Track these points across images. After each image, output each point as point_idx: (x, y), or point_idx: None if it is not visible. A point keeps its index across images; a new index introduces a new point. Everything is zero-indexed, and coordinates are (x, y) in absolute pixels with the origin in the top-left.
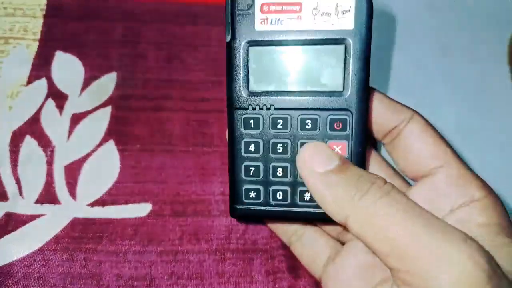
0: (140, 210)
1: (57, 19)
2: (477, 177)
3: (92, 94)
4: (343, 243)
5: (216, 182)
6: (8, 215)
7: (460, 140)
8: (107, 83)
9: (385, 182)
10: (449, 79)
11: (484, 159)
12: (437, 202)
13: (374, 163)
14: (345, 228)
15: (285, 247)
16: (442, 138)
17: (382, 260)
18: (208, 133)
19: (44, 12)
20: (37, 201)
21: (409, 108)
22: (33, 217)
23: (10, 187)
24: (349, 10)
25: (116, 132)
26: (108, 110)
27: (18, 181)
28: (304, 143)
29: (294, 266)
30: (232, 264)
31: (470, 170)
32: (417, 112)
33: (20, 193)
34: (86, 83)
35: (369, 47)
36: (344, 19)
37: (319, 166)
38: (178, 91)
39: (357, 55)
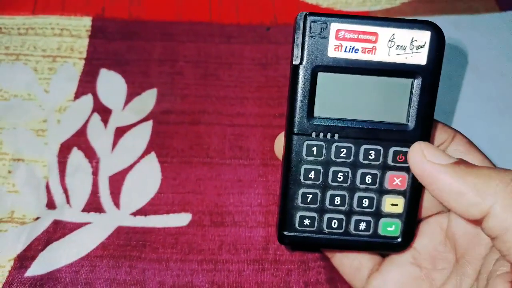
0: (181, 220)
1: (101, 39)
2: None
3: (134, 109)
4: (383, 256)
5: (253, 194)
6: (56, 223)
7: (493, 156)
8: (148, 98)
9: None
10: (479, 96)
11: None
12: None
13: None
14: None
15: (323, 259)
16: (485, 155)
17: None
18: (244, 146)
19: (89, 33)
20: (83, 210)
21: (450, 127)
22: (80, 225)
23: (58, 196)
24: (423, 46)
25: (157, 144)
26: (149, 124)
27: (65, 191)
28: (365, 172)
29: (332, 277)
30: (271, 275)
31: None
32: (459, 131)
33: (68, 201)
34: (129, 99)
35: (437, 84)
36: (418, 54)
37: (443, 159)
38: (214, 106)
39: (425, 90)
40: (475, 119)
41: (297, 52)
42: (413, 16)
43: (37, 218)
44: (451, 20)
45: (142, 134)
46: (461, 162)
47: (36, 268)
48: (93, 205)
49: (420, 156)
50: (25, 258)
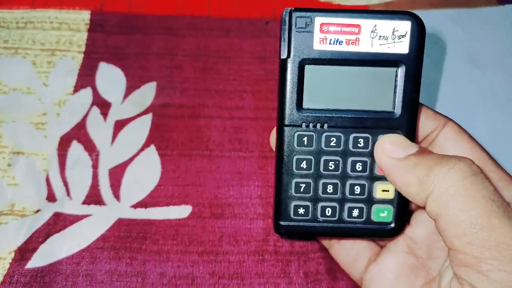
0: (181, 212)
1: (100, 33)
2: None
3: (133, 102)
4: (380, 246)
5: (252, 186)
6: (57, 215)
7: (494, 150)
8: (147, 92)
9: (473, 162)
10: (480, 90)
11: None
12: None
13: None
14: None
15: (322, 250)
16: (477, 142)
17: (448, 238)
18: (243, 139)
19: (88, 27)
20: (84, 202)
21: (442, 115)
22: (80, 217)
23: (58, 188)
24: (405, 35)
25: (157, 137)
26: (149, 117)
27: (65, 183)
28: (355, 160)
29: (332, 268)
30: (271, 266)
31: (506, 172)
32: (451, 119)
33: (68, 194)
34: (128, 92)
35: (420, 71)
36: (400, 44)
37: (400, 153)
38: (213, 100)
39: (408, 78)
40: (475, 112)
41: (284, 46)
42: (411, 10)
43: (38, 211)
44: (450, 13)
45: (142, 127)
46: (417, 153)
47: (37, 260)
48: (93, 197)
49: (380, 151)
50: (25, 250)
